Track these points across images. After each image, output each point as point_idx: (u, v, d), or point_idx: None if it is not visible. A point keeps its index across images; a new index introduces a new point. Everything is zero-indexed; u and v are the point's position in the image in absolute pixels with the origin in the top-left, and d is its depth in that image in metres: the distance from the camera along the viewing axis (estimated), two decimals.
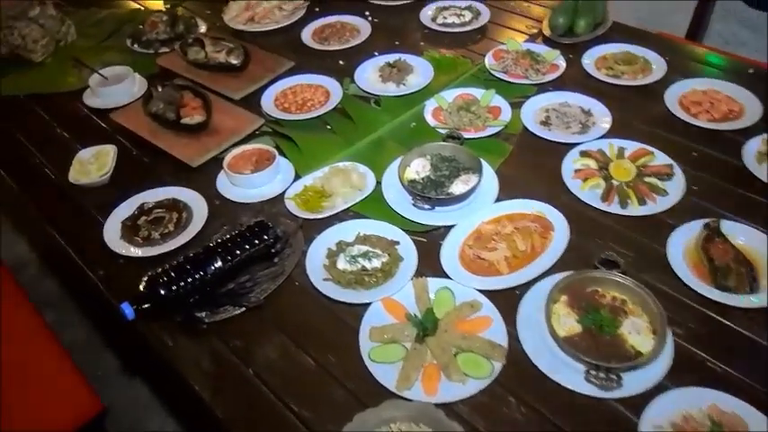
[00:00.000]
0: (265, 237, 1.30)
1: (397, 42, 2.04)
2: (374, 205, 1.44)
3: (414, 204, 1.41)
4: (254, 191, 1.49)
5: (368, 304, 1.21)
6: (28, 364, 1.62)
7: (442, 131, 1.63)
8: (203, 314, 1.22)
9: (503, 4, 2.19)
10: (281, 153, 1.57)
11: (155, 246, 1.36)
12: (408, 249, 1.32)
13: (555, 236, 1.33)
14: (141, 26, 2.10)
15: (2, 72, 2.04)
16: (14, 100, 1.94)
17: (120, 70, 1.91)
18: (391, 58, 1.88)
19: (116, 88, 1.83)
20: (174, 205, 1.46)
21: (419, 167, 1.50)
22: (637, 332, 1.10)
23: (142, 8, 2.39)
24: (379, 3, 2.22)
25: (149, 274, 1.19)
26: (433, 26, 2.06)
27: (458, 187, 1.44)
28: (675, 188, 1.41)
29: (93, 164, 1.58)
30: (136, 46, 2.08)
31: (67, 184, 1.56)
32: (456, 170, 1.48)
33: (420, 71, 1.83)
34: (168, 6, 2.37)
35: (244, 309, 1.23)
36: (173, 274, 1.20)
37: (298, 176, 1.52)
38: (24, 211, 1.57)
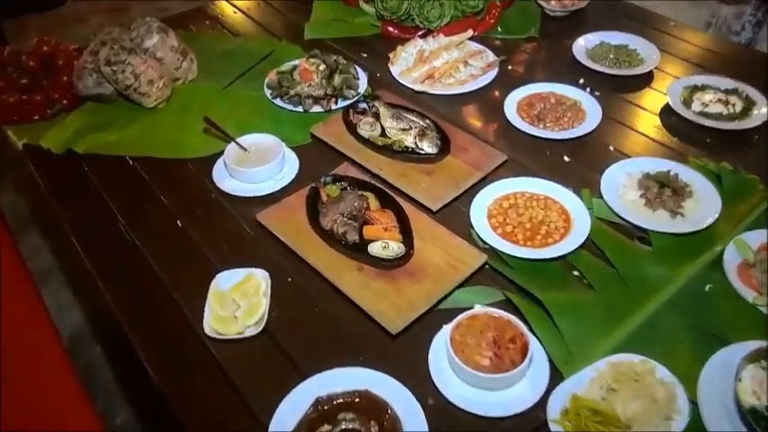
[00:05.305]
0: None
1: (637, 133, 1.47)
2: None
3: None
4: (496, 396, 0.94)
5: None
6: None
7: (764, 310, 1.06)
8: None
9: None
10: (519, 317, 1.02)
11: None
12: None
13: None
14: (290, 74, 1.57)
15: (105, 121, 1.55)
16: (116, 163, 1.44)
17: (266, 141, 1.39)
18: (650, 167, 1.31)
19: (261, 171, 1.31)
20: (372, 407, 0.92)
21: (755, 384, 0.94)
22: None
23: (281, 40, 1.87)
24: (598, 69, 1.66)
25: None
26: (688, 114, 1.48)
27: None
28: None
29: (238, 305, 1.06)
30: (279, 100, 1.55)
31: (200, 331, 1.04)
32: None
33: (701, 194, 1.26)
34: (311, 37, 1.86)
35: None
36: None
37: (557, 372, 0.97)
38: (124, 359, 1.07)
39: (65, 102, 1.59)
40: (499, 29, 1.87)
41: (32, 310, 1.50)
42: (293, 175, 1.35)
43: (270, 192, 1.31)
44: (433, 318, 1.05)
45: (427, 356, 1.00)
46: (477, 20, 1.85)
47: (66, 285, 2.30)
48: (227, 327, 1.03)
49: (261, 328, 1.03)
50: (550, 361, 0.99)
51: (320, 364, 0.98)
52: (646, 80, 1.64)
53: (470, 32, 1.77)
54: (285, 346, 1.03)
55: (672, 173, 1.28)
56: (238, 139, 1.38)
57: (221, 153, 1.38)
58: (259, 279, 1.10)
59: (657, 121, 1.51)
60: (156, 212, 1.31)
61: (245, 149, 1.37)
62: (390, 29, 1.84)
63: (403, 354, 1.01)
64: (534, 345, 0.98)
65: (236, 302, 1.07)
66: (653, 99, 1.57)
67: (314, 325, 1.06)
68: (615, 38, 1.76)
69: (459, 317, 1.00)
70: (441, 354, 0.99)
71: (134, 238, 1.24)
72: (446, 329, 0.99)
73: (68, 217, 1.32)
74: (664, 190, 1.24)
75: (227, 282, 1.10)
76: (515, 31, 1.86)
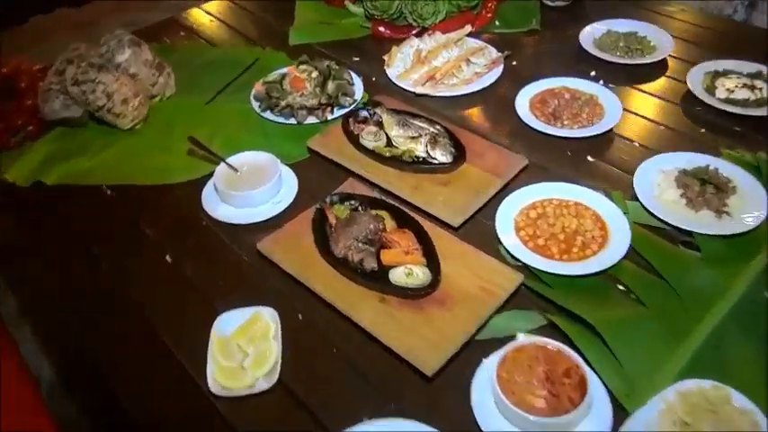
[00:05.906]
0: None
1: (661, 126, 1.36)
2: None
3: None
4: None
5: None
6: None
7: None
8: None
9: None
10: (565, 342, 0.89)
11: None
12: None
13: None
14: (279, 84, 1.43)
15: (76, 147, 1.40)
16: (91, 193, 1.29)
17: (259, 159, 1.24)
18: (685, 162, 1.20)
19: (257, 193, 1.17)
20: None
21: None
22: None
23: (264, 48, 1.72)
24: (609, 59, 1.54)
25: None
26: (713, 102, 1.38)
27: None
28: None
29: (245, 353, 0.92)
30: (269, 113, 1.41)
31: (204, 387, 0.89)
32: None
33: (744, 189, 1.15)
34: (297, 42, 1.72)
35: None
36: None
37: (618, 407, 0.85)
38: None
39: (30, 128, 1.43)
40: (497, 23, 1.75)
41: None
42: (293, 196, 1.21)
43: (268, 216, 1.17)
44: (471, 351, 0.92)
45: (469, 398, 0.86)
46: (473, 14, 1.73)
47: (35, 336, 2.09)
48: (235, 380, 0.89)
49: (275, 380, 0.89)
50: (610, 394, 0.86)
51: (346, 417, 0.84)
52: (661, 68, 1.53)
53: (468, 28, 1.65)
54: (303, 399, 0.88)
55: (711, 167, 1.17)
56: (228, 159, 1.24)
57: (210, 175, 1.24)
58: (267, 320, 0.96)
59: (680, 111, 1.40)
60: (141, 247, 1.16)
61: (236, 170, 1.23)
62: (382, 29, 1.72)
63: (441, 397, 0.88)
64: (591, 377, 0.86)
65: (243, 349, 0.93)
66: (672, 88, 1.47)
67: (334, 370, 0.93)
68: (623, 25, 1.65)
69: (504, 350, 0.87)
70: (484, 393, 0.86)
71: (115, 279, 1.09)
72: (488, 365, 0.87)
73: (37, 258, 1.17)
74: (706, 187, 1.13)
75: (229, 324, 0.96)
76: (515, 24, 1.74)
